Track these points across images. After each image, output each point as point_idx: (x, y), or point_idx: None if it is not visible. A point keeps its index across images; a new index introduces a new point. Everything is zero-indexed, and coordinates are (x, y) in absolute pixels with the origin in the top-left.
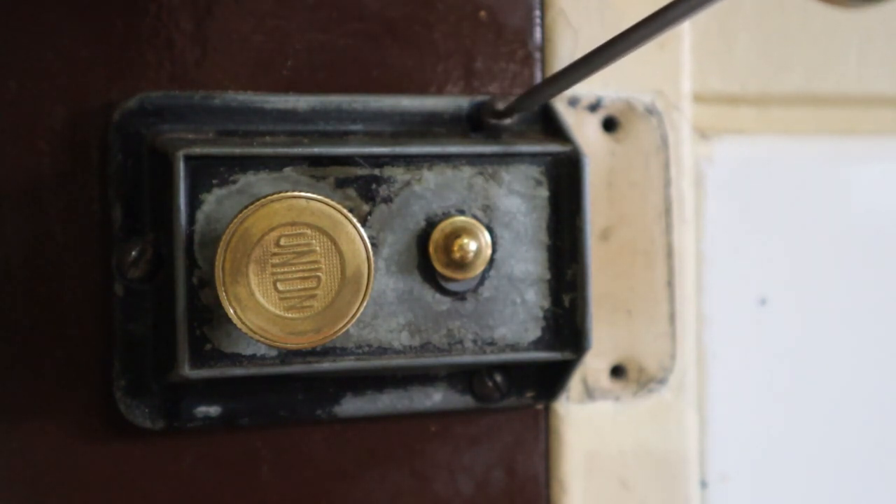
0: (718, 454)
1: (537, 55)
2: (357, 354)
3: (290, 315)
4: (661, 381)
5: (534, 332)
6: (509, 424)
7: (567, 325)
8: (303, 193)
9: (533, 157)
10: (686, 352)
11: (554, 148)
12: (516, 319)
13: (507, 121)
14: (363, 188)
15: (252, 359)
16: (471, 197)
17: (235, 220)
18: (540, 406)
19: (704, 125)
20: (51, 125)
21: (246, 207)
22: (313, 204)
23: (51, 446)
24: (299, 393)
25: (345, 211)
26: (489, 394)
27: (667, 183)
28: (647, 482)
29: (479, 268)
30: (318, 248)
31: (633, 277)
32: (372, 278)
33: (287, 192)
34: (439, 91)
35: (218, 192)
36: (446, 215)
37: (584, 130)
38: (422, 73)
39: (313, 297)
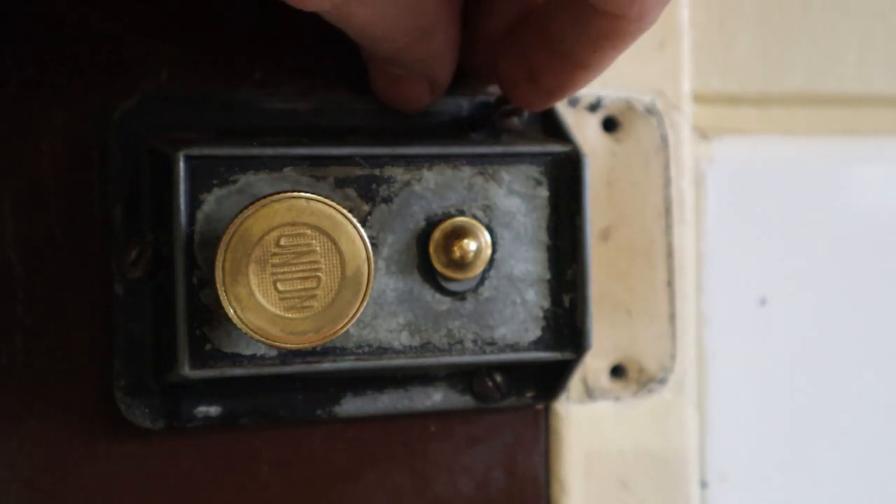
0: (718, 454)
1: None
2: (357, 354)
3: (290, 315)
4: (661, 381)
5: (534, 332)
6: (509, 424)
7: (567, 325)
8: (303, 193)
9: (533, 157)
10: (686, 352)
11: (554, 148)
12: (516, 319)
13: (521, 118)
14: (363, 188)
15: (252, 359)
16: (471, 197)
17: (235, 220)
18: (540, 406)
19: (705, 125)
20: (51, 125)
21: (246, 207)
22: (313, 204)
23: (50, 446)
24: (299, 393)
25: (345, 211)
26: (489, 394)
27: (667, 183)
28: (647, 482)
29: (479, 268)
30: (318, 248)
31: (633, 277)
32: (372, 278)
33: (287, 191)
34: None
35: (218, 192)
36: (446, 215)
37: (584, 130)
38: None
39: (313, 297)
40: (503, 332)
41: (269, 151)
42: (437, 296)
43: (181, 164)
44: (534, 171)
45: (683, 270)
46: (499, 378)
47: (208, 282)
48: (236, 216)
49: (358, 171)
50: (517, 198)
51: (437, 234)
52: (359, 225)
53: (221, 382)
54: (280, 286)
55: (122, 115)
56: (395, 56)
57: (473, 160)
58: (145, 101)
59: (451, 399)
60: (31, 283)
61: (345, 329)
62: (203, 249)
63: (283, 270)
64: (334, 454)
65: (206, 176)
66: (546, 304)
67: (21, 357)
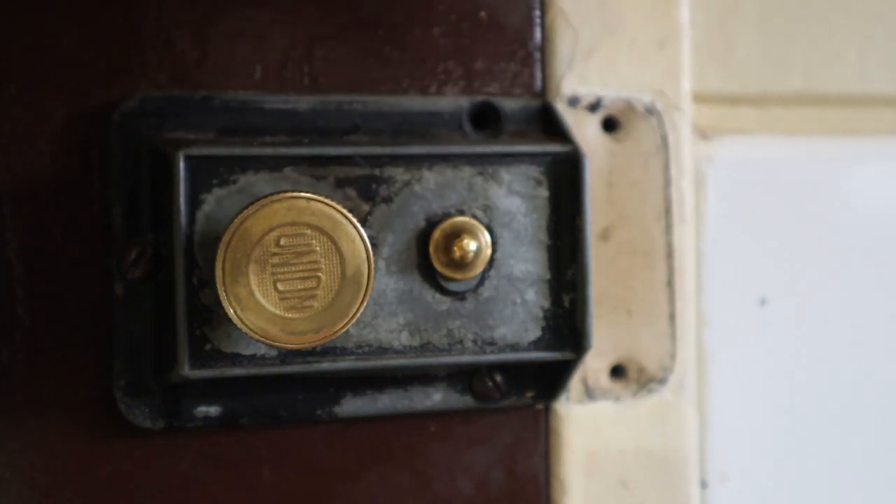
0: (718, 454)
1: (537, 55)
2: (357, 354)
3: (290, 315)
4: (661, 381)
5: (534, 332)
6: (509, 424)
7: (567, 325)
8: (303, 193)
9: (533, 157)
10: (686, 352)
11: (554, 148)
12: (516, 319)
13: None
14: (363, 188)
15: (252, 359)
16: (471, 197)
17: (235, 220)
18: (540, 406)
19: (705, 125)
20: (51, 125)
21: (246, 207)
22: (313, 204)
23: (51, 446)
24: (299, 393)
25: (345, 211)
26: (489, 394)
27: (667, 183)
28: (647, 482)
29: (479, 268)
30: (318, 248)
31: (633, 277)
32: (372, 278)
33: (287, 192)
34: (439, 91)
35: (218, 192)
36: (446, 215)
37: (584, 130)
38: (422, 73)
39: (313, 297)
40: (503, 332)
41: (269, 151)
42: (437, 296)
43: (181, 164)
44: (534, 171)
45: (683, 270)
46: (499, 378)
47: (208, 282)
48: (236, 216)
49: (358, 171)
50: (517, 198)
51: (437, 233)
52: (359, 225)
53: (221, 382)
54: (280, 286)
55: (122, 115)
56: None
57: (473, 160)
58: (145, 101)
59: (450, 399)
60: (31, 283)
61: (345, 329)
62: (203, 249)
63: (283, 270)
64: (334, 454)
65: (206, 176)
66: (546, 304)
67: (21, 357)
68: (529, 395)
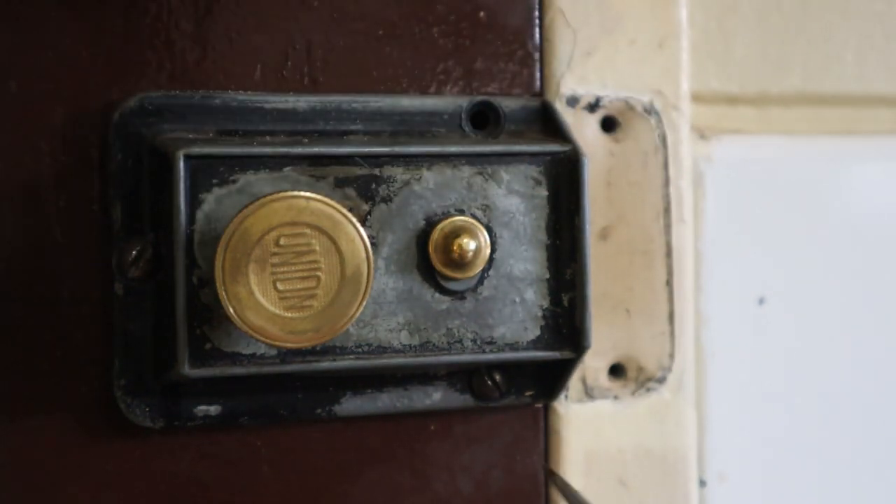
0: (717, 453)
1: (536, 55)
2: (357, 353)
3: (289, 314)
4: (660, 381)
5: (533, 332)
6: (508, 423)
7: (566, 325)
8: (303, 193)
9: (532, 157)
10: (685, 351)
11: (553, 147)
12: (515, 318)
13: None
14: (363, 188)
15: (252, 358)
16: (470, 196)
17: (235, 220)
18: (539, 405)
19: (703, 125)
20: (51, 125)
21: (246, 207)
22: (313, 204)
23: (51, 445)
24: (299, 392)
25: (344, 211)
26: (488, 393)
27: (665, 182)
28: (645, 481)
29: (479, 267)
30: (317, 248)
31: (632, 277)
32: (371, 278)
33: (287, 191)
34: (439, 91)
35: (218, 192)
36: (446, 215)
37: (583, 130)
38: (421, 73)
39: (313, 296)
40: (502, 332)
41: (268, 151)
42: (437, 295)
43: (181, 164)
44: (533, 170)
45: (682, 270)
46: (498, 377)
47: (208, 281)
48: (236, 216)
49: (358, 171)
50: (516, 197)
51: (436, 233)
52: (358, 224)
53: (221, 381)
54: (280, 286)
55: (122, 115)
56: None
57: (473, 160)
58: (145, 101)
59: (450, 398)
60: (31, 284)
61: (344, 328)
62: (203, 249)
63: (282, 270)
64: (334, 453)
65: (206, 175)
66: (545, 303)
67: (21, 357)
68: (529, 394)
